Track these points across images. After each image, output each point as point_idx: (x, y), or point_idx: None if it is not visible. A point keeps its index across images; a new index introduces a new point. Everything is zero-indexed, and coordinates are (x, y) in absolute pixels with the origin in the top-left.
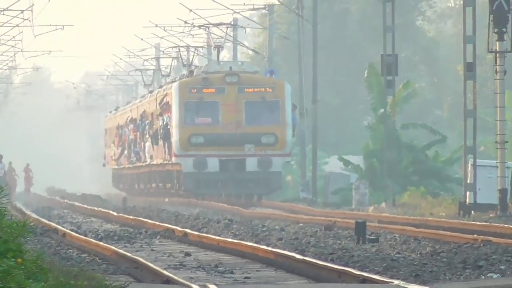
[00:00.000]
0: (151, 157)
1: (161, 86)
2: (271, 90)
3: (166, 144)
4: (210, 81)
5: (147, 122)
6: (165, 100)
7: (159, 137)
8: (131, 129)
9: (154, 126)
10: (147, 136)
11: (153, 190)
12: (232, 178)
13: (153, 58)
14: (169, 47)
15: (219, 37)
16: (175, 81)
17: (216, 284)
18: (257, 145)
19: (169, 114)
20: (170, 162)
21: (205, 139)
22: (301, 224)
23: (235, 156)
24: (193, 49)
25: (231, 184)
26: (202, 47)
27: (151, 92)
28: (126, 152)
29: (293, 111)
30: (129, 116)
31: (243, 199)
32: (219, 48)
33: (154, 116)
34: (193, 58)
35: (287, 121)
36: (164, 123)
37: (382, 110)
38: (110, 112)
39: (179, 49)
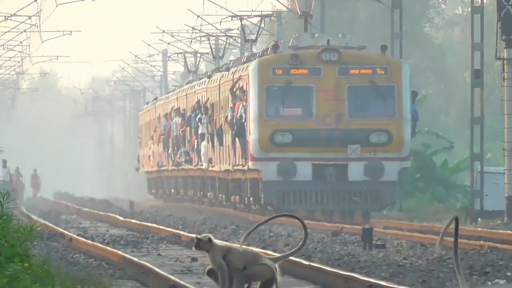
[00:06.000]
0: (209, 161)
1: (227, 69)
2: (383, 72)
3: (239, 144)
4: (300, 58)
5: (203, 115)
6: (237, 85)
7: (224, 135)
8: (178, 123)
9: (215, 121)
10: (203, 133)
11: (207, 200)
12: (330, 190)
13: (207, 35)
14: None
15: (227, 44)
16: (251, 59)
17: None
18: (364, 145)
19: (243, 103)
20: (245, 168)
21: (294, 137)
22: (308, 230)
23: (334, 160)
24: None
25: (329, 198)
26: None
27: (209, 76)
28: (170, 151)
29: (413, 101)
30: (174, 107)
31: (341, 216)
32: (307, 15)
33: (215, 107)
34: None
35: (404, 114)
36: (237, 115)
37: None
38: (147, 103)
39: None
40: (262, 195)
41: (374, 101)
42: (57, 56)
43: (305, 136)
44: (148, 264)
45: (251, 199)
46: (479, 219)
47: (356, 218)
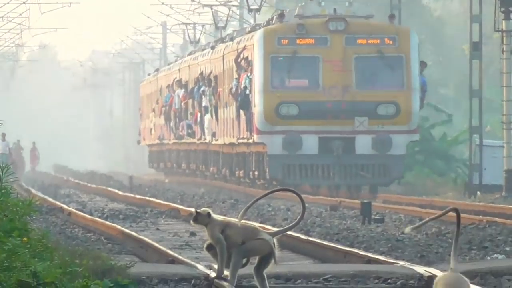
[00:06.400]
0: (213, 135)
1: (231, 39)
2: (391, 42)
3: (243, 116)
4: (307, 28)
5: (206, 88)
6: (242, 55)
7: (228, 107)
8: (181, 96)
9: (219, 93)
10: (207, 105)
11: (209, 174)
12: (337, 164)
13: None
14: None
15: (225, 15)
16: (256, 29)
17: None
18: (371, 117)
19: (248, 74)
20: (249, 141)
21: (300, 109)
22: (307, 204)
23: (341, 133)
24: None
25: (335, 172)
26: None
27: (212, 47)
28: (171, 123)
29: (421, 71)
30: (176, 78)
31: (347, 191)
32: None
33: (219, 79)
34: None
35: (412, 85)
36: (242, 86)
37: None
38: (149, 74)
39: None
40: (267, 169)
41: (382, 72)
42: (56, 28)
43: (312, 108)
44: (147, 239)
45: (255, 173)
46: (478, 193)
47: (363, 192)
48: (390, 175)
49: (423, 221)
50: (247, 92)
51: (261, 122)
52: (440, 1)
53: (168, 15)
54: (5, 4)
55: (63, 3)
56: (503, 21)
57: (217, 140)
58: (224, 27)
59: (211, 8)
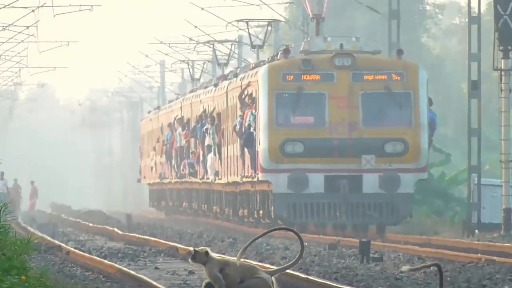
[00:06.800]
0: (216, 174)
1: (235, 75)
2: (399, 78)
3: (248, 154)
4: (312, 64)
5: (209, 126)
6: (246, 92)
7: (232, 145)
8: (183, 134)
9: (222, 131)
10: (210, 144)
11: (212, 214)
12: (343, 203)
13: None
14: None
15: (224, 54)
16: (261, 65)
17: None
18: (379, 155)
19: (252, 111)
20: (254, 179)
21: (306, 146)
22: (305, 243)
23: (348, 172)
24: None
25: (342, 211)
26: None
27: (215, 84)
28: (173, 162)
29: (429, 108)
30: (177, 116)
31: (353, 231)
32: (318, 18)
33: (222, 116)
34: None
35: (421, 122)
36: (246, 123)
37: None
38: (149, 112)
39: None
40: (272, 208)
41: (389, 109)
42: (55, 67)
43: (317, 145)
44: (145, 277)
45: (260, 212)
46: (477, 231)
47: (370, 232)
48: (398, 214)
49: (418, 266)
50: (252, 129)
51: (265, 160)
52: (439, 39)
53: (166, 54)
54: (3, 43)
55: (61, 42)
56: (502, 60)
57: (220, 179)
58: (226, 64)
59: (212, 45)
